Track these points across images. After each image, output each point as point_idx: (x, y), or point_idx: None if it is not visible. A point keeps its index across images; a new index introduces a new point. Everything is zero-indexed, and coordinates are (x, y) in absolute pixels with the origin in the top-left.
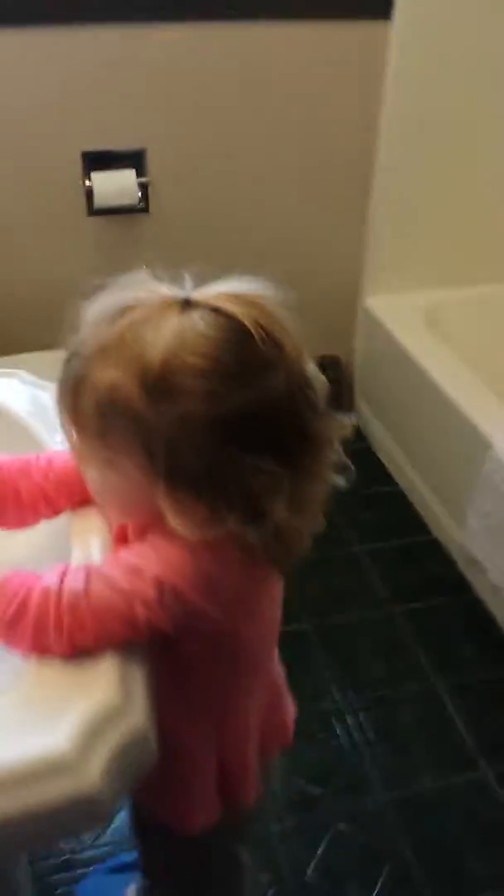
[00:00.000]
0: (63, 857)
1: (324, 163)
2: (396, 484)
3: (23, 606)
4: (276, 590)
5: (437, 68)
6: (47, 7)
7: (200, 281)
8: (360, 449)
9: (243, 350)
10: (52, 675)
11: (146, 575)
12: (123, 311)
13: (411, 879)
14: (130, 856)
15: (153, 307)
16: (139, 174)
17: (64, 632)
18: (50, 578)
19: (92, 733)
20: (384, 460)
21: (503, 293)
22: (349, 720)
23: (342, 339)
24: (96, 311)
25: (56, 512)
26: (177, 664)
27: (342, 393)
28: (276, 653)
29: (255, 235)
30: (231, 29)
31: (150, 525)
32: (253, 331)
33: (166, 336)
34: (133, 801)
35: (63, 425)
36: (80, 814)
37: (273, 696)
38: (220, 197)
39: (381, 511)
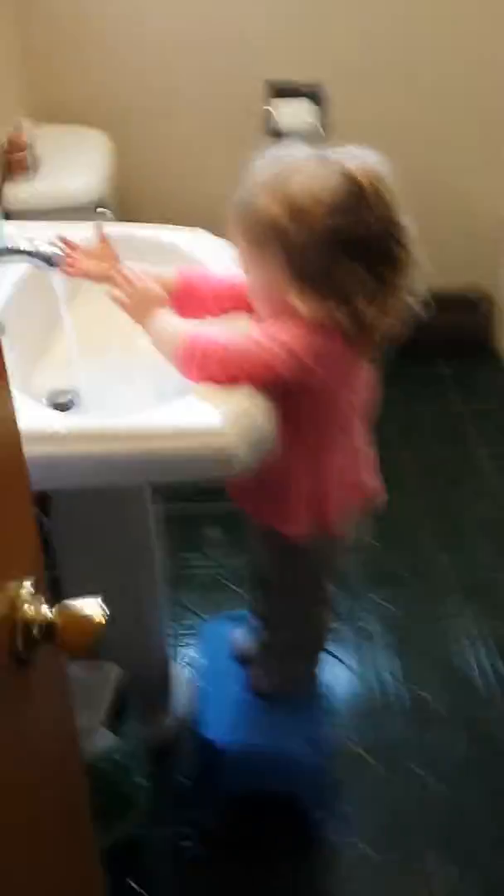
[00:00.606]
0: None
1: (482, 107)
2: None
3: (202, 349)
4: (366, 374)
5: None
6: None
7: (336, 148)
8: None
9: (353, 194)
10: (216, 392)
11: (278, 339)
12: (280, 160)
13: None
14: (242, 613)
15: (300, 160)
16: (316, 103)
17: (223, 367)
18: (219, 334)
19: (236, 418)
20: None
21: None
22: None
23: (491, 275)
24: (263, 161)
25: (225, 311)
26: (291, 416)
27: (488, 325)
28: (362, 430)
29: (414, 171)
30: None
31: (283, 315)
32: (363, 182)
33: (306, 179)
34: (255, 520)
35: (235, 237)
36: (221, 462)
37: (359, 461)
38: (384, 130)
39: None
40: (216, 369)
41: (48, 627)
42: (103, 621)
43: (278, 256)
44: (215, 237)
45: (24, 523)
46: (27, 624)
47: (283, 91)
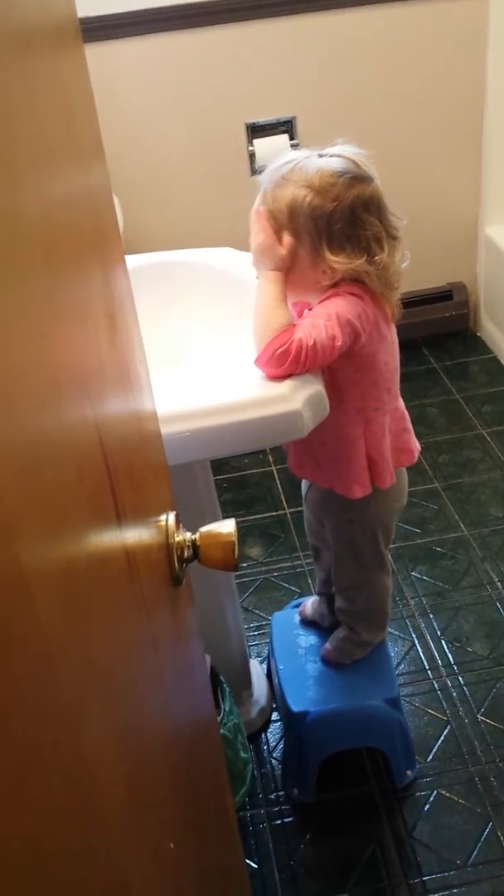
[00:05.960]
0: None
1: (441, 116)
2: None
3: (295, 348)
4: (392, 333)
5: None
6: (214, 10)
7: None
8: (487, 358)
9: (355, 170)
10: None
11: (332, 315)
12: (290, 161)
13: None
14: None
15: (305, 157)
16: (291, 137)
17: (303, 362)
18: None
19: (296, 388)
20: None
21: None
22: (474, 544)
23: (466, 266)
24: (272, 168)
25: None
26: (338, 386)
27: (468, 313)
28: (398, 394)
29: (387, 182)
30: (358, 13)
31: (321, 291)
32: (359, 162)
33: (316, 166)
34: (318, 485)
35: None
36: (289, 424)
37: (400, 424)
38: (362, 146)
39: (503, 404)
40: (298, 365)
41: (193, 547)
42: (235, 536)
43: (311, 231)
44: (239, 251)
45: (162, 473)
46: (178, 546)
47: (261, 129)
